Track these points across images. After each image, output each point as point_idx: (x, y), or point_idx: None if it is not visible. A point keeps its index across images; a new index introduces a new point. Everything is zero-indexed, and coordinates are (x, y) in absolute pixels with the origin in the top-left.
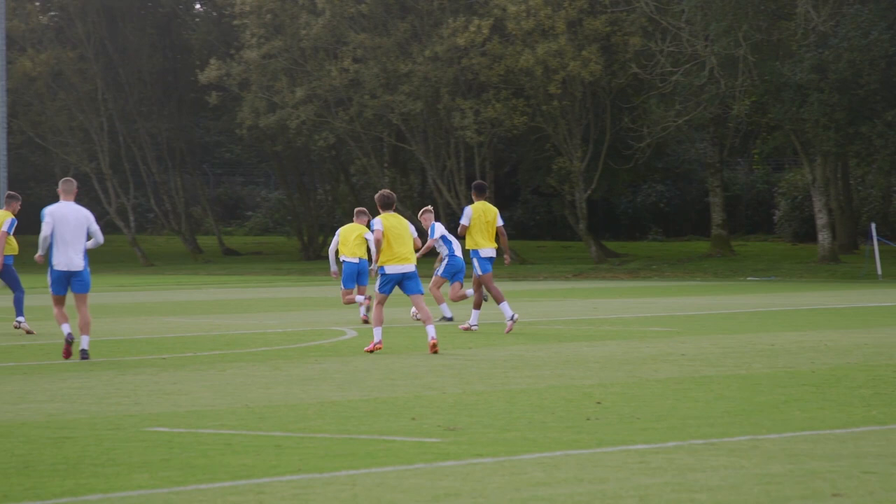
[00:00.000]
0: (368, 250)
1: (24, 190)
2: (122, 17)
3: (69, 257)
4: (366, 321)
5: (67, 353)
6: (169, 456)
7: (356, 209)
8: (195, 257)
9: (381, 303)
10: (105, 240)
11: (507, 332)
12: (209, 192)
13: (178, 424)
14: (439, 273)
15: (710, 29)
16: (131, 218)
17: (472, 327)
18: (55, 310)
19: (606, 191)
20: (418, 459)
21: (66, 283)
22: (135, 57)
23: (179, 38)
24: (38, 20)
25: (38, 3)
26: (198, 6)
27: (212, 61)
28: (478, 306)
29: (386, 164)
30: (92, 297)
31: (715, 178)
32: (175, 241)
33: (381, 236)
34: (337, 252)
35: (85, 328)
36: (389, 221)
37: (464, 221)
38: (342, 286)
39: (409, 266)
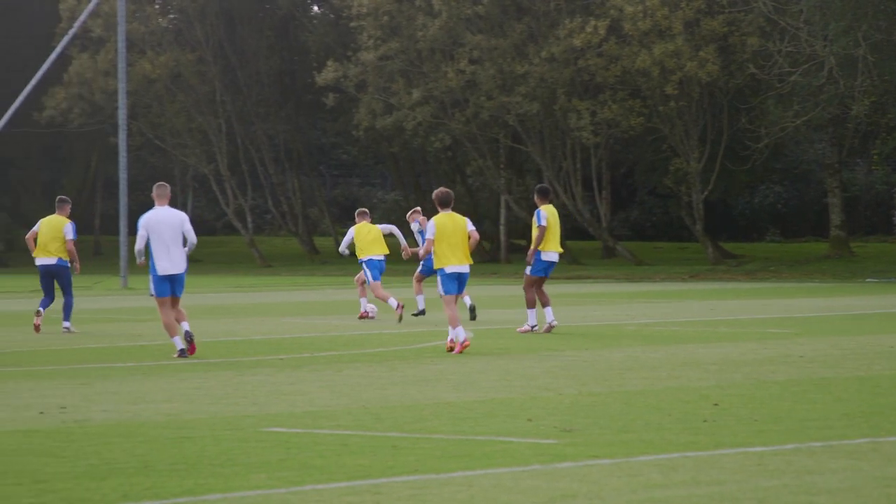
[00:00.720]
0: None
1: (144, 191)
2: (240, 19)
3: (172, 261)
4: (364, 317)
5: (192, 350)
6: (286, 456)
7: (359, 210)
8: (312, 258)
9: (451, 302)
10: (223, 241)
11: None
12: (326, 193)
13: (296, 425)
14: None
15: (829, 29)
16: (249, 219)
17: (535, 328)
18: (164, 316)
19: (723, 192)
20: (534, 460)
21: (170, 285)
22: (253, 59)
23: (297, 40)
24: (158, 23)
25: (157, 6)
26: (315, 8)
27: (329, 63)
28: (539, 305)
29: (502, 166)
30: (210, 298)
31: (834, 178)
32: (292, 242)
33: (433, 237)
34: (351, 247)
35: (181, 319)
36: (443, 221)
37: (543, 223)
38: (372, 279)
39: (465, 266)
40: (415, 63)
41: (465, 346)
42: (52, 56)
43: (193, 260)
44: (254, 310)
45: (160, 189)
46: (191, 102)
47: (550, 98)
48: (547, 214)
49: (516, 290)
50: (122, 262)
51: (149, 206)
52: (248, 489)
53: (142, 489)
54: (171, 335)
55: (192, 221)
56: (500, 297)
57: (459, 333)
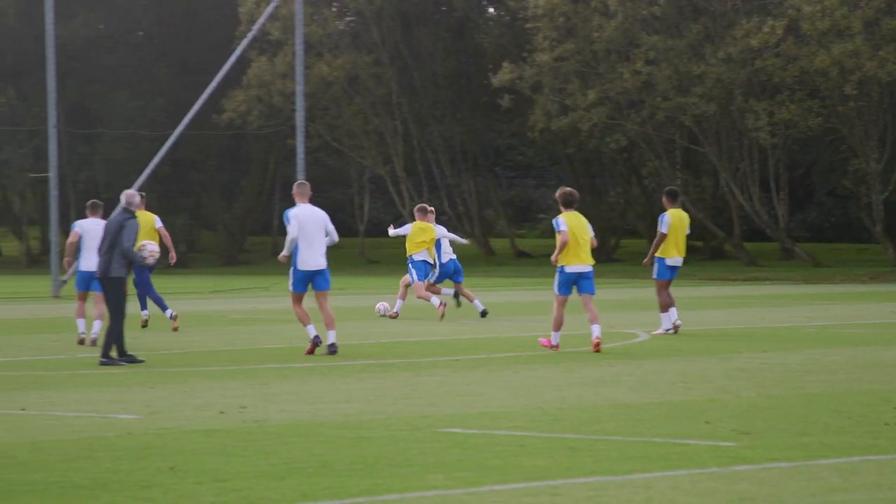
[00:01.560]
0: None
1: (322, 193)
2: (416, 21)
3: (314, 257)
4: (393, 316)
5: (311, 351)
6: (463, 457)
7: (419, 206)
8: (488, 259)
9: (562, 304)
10: (399, 242)
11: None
12: (501, 194)
13: (472, 425)
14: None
15: None
16: None
17: (669, 330)
18: (297, 309)
19: None
20: (713, 463)
21: (308, 282)
22: (429, 61)
23: (472, 42)
24: (335, 25)
25: (334, 9)
26: (491, 10)
27: (504, 64)
28: (665, 309)
29: (678, 167)
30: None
31: None
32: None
33: (567, 237)
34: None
35: (330, 324)
36: (572, 221)
37: (663, 229)
38: (417, 279)
39: (588, 266)
40: (590, 64)
41: (598, 344)
42: (232, 59)
43: (371, 261)
44: (430, 311)
45: (301, 187)
46: (367, 104)
47: (727, 99)
48: (670, 220)
49: (691, 292)
50: None
51: (327, 205)
52: (426, 489)
53: (320, 488)
54: (305, 324)
55: (368, 223)
56: (674, 298)
57: (595, 330)
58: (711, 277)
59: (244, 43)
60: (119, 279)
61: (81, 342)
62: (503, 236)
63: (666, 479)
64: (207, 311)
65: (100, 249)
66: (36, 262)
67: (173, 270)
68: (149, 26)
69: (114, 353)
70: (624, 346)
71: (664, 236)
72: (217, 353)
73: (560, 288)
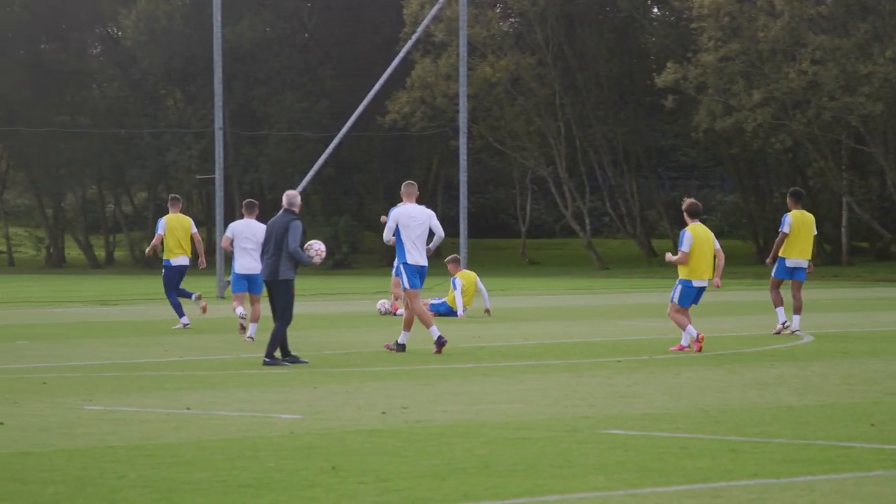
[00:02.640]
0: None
1: (484, 194)
2: (580, 22)
3: (421, 254)
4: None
5: (440, 349)
6: (624, 458)
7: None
8: (650, 260)
9: (682, 312)
10: (561, 243)
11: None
12: (664, 195)
13: (634, 427)
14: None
15: None
16: (587, 221)
17: (795, 332)
18: (416, 307)
19: None
20: (878, 466)
21: (419, 277)
22: (592, 61)
23: (636, 42)
24: (499, 27)
25: (498, 10)
26: (655, 10)
27: (669, 65)
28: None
29: (843, 167)
30: (547, 300)
31: None
32: (629, 245)
33: (689, 249)
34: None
35: (430, 321)
36: (699, 232)
37: (785, 229)
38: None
39: (707, 281)
40: (755, 64)
41: (701, 342)
42: (396, 61)
43: (533, 262)
44: (591, 312)
45: (408, 187)
46: (530, 105)
47: (895, 98)
48: (792, 220)
49: (858, 293)
50: (462, 265)
51: (489, 206)
52: (587, 490)
53: (482, 489)
54: (428, 326)
55: (531, 223)
56: (840, 300)
57: (692, 330)
58: (877, 278)
59: (408, 45)
60: (287, 281)
61: (243, 328)
62: (665, 237)
63: (830, 482)
64: (370, 311)
65: (264, 252)
66: None
67: (335, 271)
68: (314, 28)
69: (277, 354)
70: (788, 347)
71: (785, 236)
72: (380, 354)
73: (682, 300)
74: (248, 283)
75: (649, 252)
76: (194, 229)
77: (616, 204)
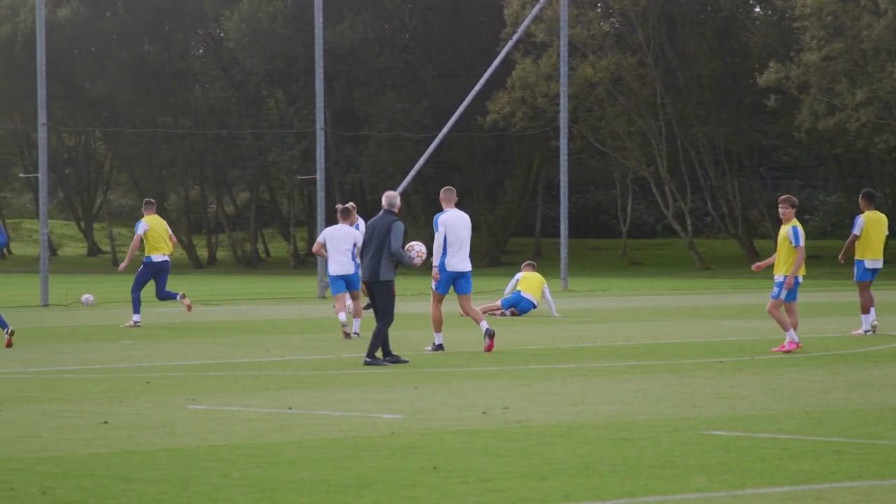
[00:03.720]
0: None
1: (584, 194)
2: (681, 22)
3: (461, 259)
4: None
5: (490, 348)
6: (726, 459)
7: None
8: (751, 261)
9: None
10: (662, 243)
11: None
12: (766, 195)
13: (736, 428)
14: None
15: None
16: (688, 222)
17: (868, 332)
18: (434, 309)
19: None
20: None
21: (453, 282)
22: (693, 61)
23: (738, 42)
24: (599, 27)
25: (599, 10)
26: (757, 9)
27: (771, 64)
28: (866, 310)
29: None
30: (649, 301)
31: None
32: (731, 245)
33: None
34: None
35: (478, 318)
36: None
37: (855, 231)
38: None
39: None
40: (859, 63)
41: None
42: (497, 61)
43: (634, 263)
44: (693, 312)
45: (447, 193)
46: (631, 105)
47: None
48: (864, 222)
49: None
50: (563, 264)
51: (588, 207)
52: (689, 492)
53: (583, 489)
54: (436, 330)
55: (632, 223)
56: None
57: (793, 334)
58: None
59: (509, 45)
60: (388, 282)
61: (346, 335)
62: (767, 237)
63: None
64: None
65: (364, 253)
66: (303, 262)
67: None
68: (415, 29)
69: (379, 354)
70: (892, 348)
71: (856, 237)
72: (480, 354)
73: (790, 295)
74: (346, 283)
75: (751, 252)
76: (170, 230)
77: (718, 204)
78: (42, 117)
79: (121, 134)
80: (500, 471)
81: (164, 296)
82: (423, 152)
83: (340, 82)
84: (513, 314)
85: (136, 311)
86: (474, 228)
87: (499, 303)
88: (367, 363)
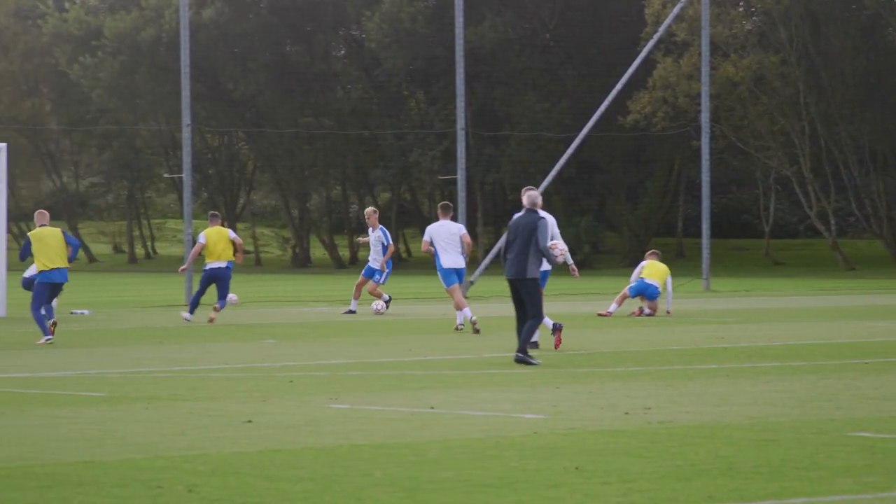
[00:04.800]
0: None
1: (726, 194)
2: (824, 20)
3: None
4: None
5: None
6: (872, 461)
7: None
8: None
9: None
10: (805, 243)
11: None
12: None
13: (882, 429)
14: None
15: None
16: (832, 221)
17: None
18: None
19: None
20: None
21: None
22: (837, 60)
23: (883, 40)
24: (742, 26)
25: (741, 9)
26: None
27: None
28: None
29: None
30: (792, 301)
31: None
32: (876, 245)
33: None
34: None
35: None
36: None
37: None
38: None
39: None
40: None
41: None
42: (637, 60)
43: (777, 263)
44: (837, 313)
45: (528, 193)
46: (774, 105)
47: None
48: None
49: None
50: (704, 265)
51: (730, 207)
52: (834, 494)
53: (726, 491)
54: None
55: (774, 223)
56: None
57: None
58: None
59: (650, 44)
60: (535, 280)
61: (477, 330)
62: None
63: None
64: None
65: (507, 251)
66: None
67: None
68: (555, 28)
69: (532, 352)
70: None
71: None
72: (622, 354)
73: None
74: (457, 276)
75: None
76: (233, 235)
77: (862, 204)
78: (186, 118)
79: (263, 134)
80: (642, 471)
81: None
82: (564, 152)
83: (481, 82)
84: (641, 309)
85: (192, 309)
86: (614, 228)
87: (626, 290)
88: (518, 360)
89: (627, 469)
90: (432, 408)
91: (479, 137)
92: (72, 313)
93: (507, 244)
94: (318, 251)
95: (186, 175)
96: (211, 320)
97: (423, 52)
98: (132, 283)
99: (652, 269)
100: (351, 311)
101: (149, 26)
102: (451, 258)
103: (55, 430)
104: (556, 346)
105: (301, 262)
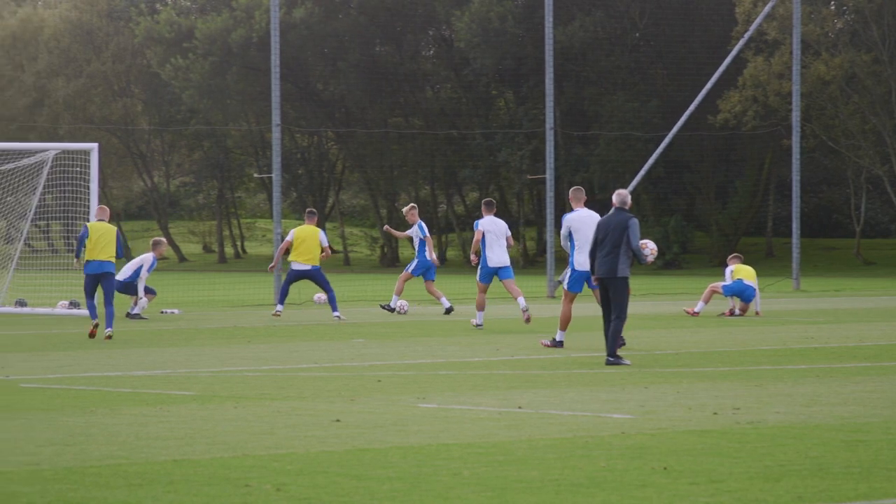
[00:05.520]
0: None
1: (816, 193)
2: None
3: (585, 257)
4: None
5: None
6: None
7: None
8: None
9: None
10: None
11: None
12: None
13: None
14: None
15: None
16: None
17: None
18: (565, 307)
19: None
20: None
21: (583, 282)
22: None
23: None
24: (833, 24)
25: (832, 8)
26: None
27: None
28: None
29: None
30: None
31: None
32: None
33: None
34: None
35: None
36: None
37: None
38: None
39: None
40: None
41: None
42: (728, 59)
43: (867, 262)
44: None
45: (577, 192)
46: (865, 103)
47: None
48: None
49: None
50: (794, 264)
51: (820, 206)
52: None
53: (816, 491)
54: (563, 328)
55: (865, 223)
56: None
57: None
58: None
59: (740, 43)
60: (625, 279)
61: (528, 319)
62: None
63: None
64: (701, 311)
65: (598, 250)
66: (532, 262)
67: (665, 271)
68: (645, 28)
69: (619, 353)
70: None
71: None
72: (710, 354)
73: None
74: (497, 274)
75: None
76: (323, 238)
77: None
78: (276, 118)
79: (353, 134)
80: (731, 472)
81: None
82: (653, 151)
83: (570, 81)
84: (732, 310)
85: (281, 301)
86: (703, 228)
87: (716, 287)
88: (609, 363)
89: (716, 469)
90: (520, 407)
91: (567, 137)
92: (162, 312)
93: (597, 243)
94: (406, 251)
95: (276, 175)
96: (338, 318)
97: (512, 51)
98: (222, 282)
99: (745, 272)
100: (390, 308)
101: (239, 27)
102: (498, 256)
103: (145, 428)
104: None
105: (389, 262)
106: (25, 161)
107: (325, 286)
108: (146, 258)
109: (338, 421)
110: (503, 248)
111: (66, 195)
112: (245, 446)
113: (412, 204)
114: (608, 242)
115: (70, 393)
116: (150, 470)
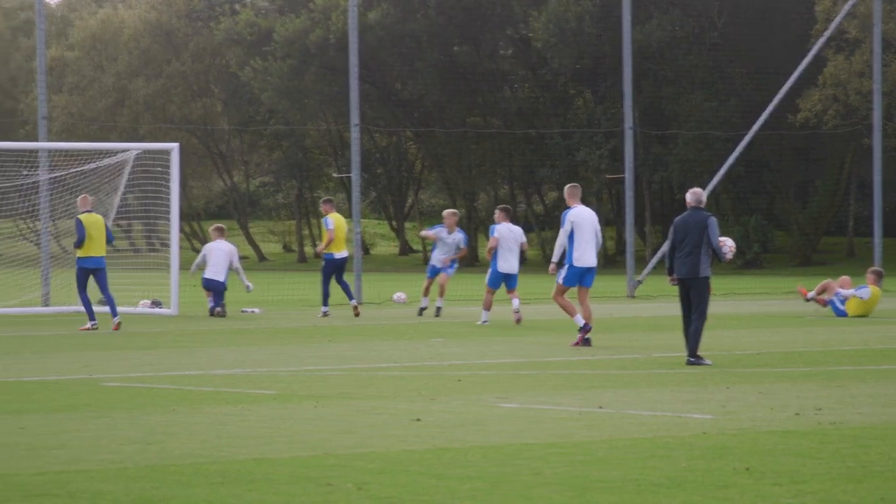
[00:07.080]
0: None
1: None
2: None
3: (589, 254)
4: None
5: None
6: None
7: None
8: None
9: None
10: None
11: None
12: None
13: None
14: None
15: None
16: None
17: None
18: (560, 299)
19: None
20: None
21: (581, 277)
22: None
23: None
24: None
25: None
26: None
27: None
28: None
29: None
30: None
31: None
32: None
33: None
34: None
35: (589, 318)
36: None
37: None
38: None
39: None
40: None
41: None
42: (808, 58)
43: None
44: None
45: (573, 189)
46: None
47: None
48: None
49: None
50: (876, 264)
51: None
52: None
53: None
54: (572, 314)
55: None
56: None
57: None
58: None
59: (820, 42)
60: (707, 279)
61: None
62: None
63: None
64: (782, 311)
65: (677, 250)
66: (611, 262)
67: (746, 271)
68: (724, 26)
69: (701, 353)
70: None
71: None
72: (792, 355)
73: None
74: (506, 280)
75: None
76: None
77: None
78: (354, 118)
79: (431, 134)
80: (813, 472)
81: (340, 284)
82: (732, 151)
83: (648, 81)
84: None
85: (325, 302)
86: (784, 227)
87: (835, 292)
88: (690, 363)
89: (798, 470)
90: (601, 407)
91: (646, 136)
92: (242, 312)
93: (676, 243)
94: (481, 252)
95: (355, 174)
96: (356, 314)
97: (589, 51)
98: (301, 282)
99: (870, 301)
100: (424, 309)
101: (317, 28)
102: (509, 263)
103: (226, 427)
104: (576, 344)
105: (468, 261)
106: (107, 161)
107: (344, 284)
108: (229, 252)
109: (418, 420)
110: (515, 255)
111: (148, 195)
112: (325, 445)
113: (454, 210)
114: (688, 242)
115: (152, 392)
116: (231, 468)
